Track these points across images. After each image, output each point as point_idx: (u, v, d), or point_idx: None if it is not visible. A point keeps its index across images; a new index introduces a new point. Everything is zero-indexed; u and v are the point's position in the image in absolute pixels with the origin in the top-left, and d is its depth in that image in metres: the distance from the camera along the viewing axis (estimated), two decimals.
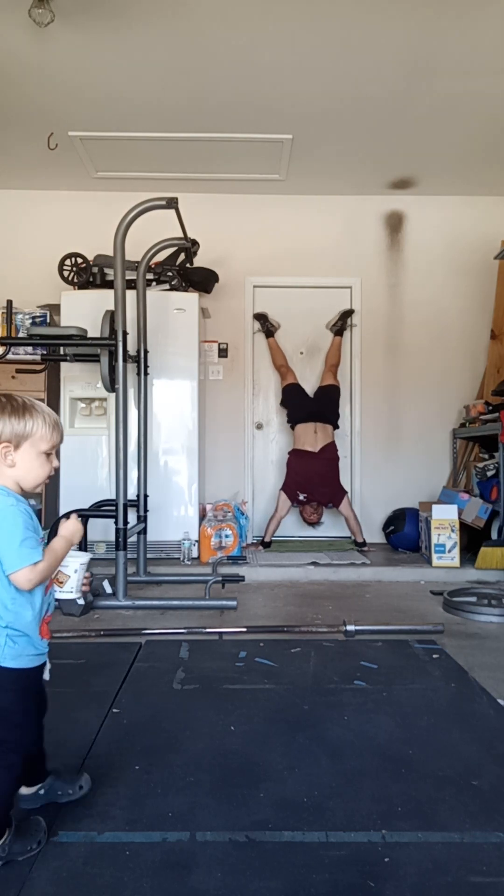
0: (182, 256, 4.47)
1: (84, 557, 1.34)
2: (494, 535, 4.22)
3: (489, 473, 4.38)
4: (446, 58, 3.43)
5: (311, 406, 4.82)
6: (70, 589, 1.32)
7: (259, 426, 5.23)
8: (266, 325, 5.09)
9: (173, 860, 1.27)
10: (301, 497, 4.66)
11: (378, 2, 3.01)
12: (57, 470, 1.36)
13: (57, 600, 1.36)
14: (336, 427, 4.83)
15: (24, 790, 1.44)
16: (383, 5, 3.03)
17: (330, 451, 4.71)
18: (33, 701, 1.33)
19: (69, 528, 1.34)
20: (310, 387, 5.00)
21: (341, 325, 5.08)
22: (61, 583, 1.30)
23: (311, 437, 4.71)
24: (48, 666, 1.36)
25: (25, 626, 1.27)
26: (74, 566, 1.30)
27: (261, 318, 5.11)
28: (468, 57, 3.42)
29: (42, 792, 1.43)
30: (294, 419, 4.83)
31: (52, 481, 4.52)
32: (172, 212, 3.31)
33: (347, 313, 5.11)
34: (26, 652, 1.27)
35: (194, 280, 4.58)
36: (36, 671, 1.32)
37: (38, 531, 1.27)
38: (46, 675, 1.37)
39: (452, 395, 5.13)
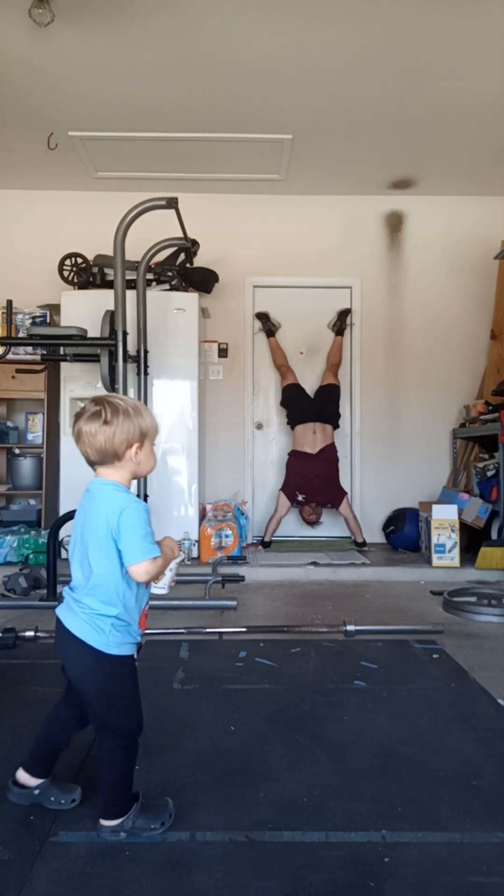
0: (182, 256, 4.47)
1: (178, 558, 1.47)
2: (494, 535, 4.22)
3: (489, 473, 4.38)
4: (446, 58, 3.43)
5: (310, 406, 4.82)
6: (163, 585, 1.43)
7: (259, 426, 5.23)
8: (267, 325, 5.09)
9: (173, 860, 1.27)
10: (300, 498, 4.66)
11: (378, 2, 3.01)
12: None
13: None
14: (336, 427, 4.83)
15: (24, 777, 1.43)
16: (383, 5, 3.03)
17: (329, 452, 4.71)
18: (134, 685, 1.40)
19: (171, 542, 1.46)
20: (309, 386, 4.99)
21: (340, 324, 5.09)
22: (157, 579, 1.42)
23: (311, 437, 4.71)
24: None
25: (129, 617, 1.37)
26: (171, 565, 1.44)
27: (262, 317, 5.11)
28: (468, 57, 3.42)
29: (37, 792, 1.44)
30: (294, 420, 4.83)
31: (53, 481, 4.53)
32: (172, 212, 3.32)
33: (345, 312, 5.12)
34: (126, 640, 1.37)
35: (194, 280, 4.58)
36: (132, 658, 1.41)
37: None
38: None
39: (452, 395, 5.13)
